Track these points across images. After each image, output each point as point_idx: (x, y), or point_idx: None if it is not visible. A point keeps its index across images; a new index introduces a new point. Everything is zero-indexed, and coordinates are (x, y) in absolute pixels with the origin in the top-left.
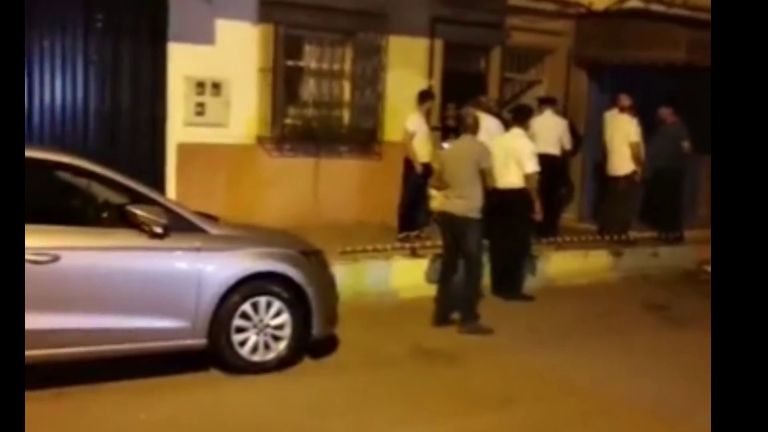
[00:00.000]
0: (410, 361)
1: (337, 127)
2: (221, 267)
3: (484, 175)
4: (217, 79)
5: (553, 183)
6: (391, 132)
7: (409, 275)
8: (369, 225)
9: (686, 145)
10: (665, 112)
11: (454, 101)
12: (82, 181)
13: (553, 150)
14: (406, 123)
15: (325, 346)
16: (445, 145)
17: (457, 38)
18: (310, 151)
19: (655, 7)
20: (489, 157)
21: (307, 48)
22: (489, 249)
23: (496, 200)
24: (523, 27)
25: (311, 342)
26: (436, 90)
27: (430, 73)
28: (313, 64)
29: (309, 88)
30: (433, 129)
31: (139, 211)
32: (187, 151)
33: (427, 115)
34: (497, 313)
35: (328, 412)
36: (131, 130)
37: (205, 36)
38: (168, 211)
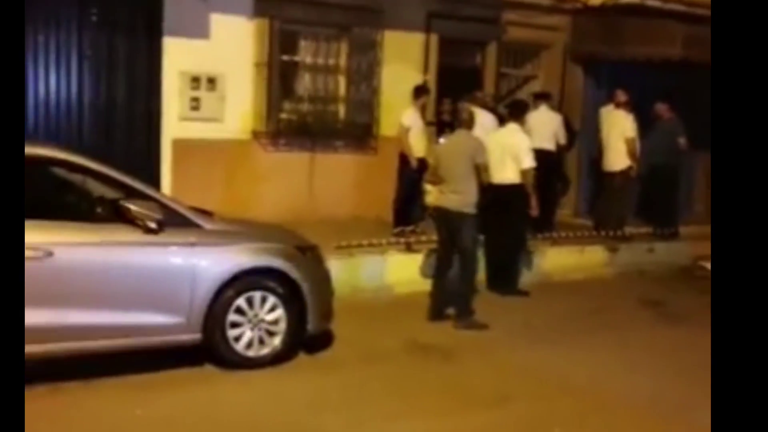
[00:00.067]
0: (405, 356)
1: (333, 122)
2: (216, 262)
3: (479, 170)
4: (212, 74)
5: (549, 178)
6: (387, 127)
7: (404, 270)
8: (364, 220)
9: (682, 141)
10: (661, 108)
11: (450, 96)
12: (76, 177)
13: (548, 145)
14: (402, 118)
15: (321, 342)
16: (441, 140)
17: (452, 33)
18: (306, 146)
19: (651, 3)
20: (484, 152)
21: (303, 43)
22: (484, 244)
23: (492, 196)
24: (519, 22)
25: (306, 337)
26: (432, 85)
27: (426, 68)
28: (308, 59)
29: (304, 83)
30: (428, 124)
31: (133, 207)
32: (182, 146)
33: (423, 110)
34: (493, 309)
35: (324, 407)
36: (126, 125)
37: (200, 31)
38: (162, 206)
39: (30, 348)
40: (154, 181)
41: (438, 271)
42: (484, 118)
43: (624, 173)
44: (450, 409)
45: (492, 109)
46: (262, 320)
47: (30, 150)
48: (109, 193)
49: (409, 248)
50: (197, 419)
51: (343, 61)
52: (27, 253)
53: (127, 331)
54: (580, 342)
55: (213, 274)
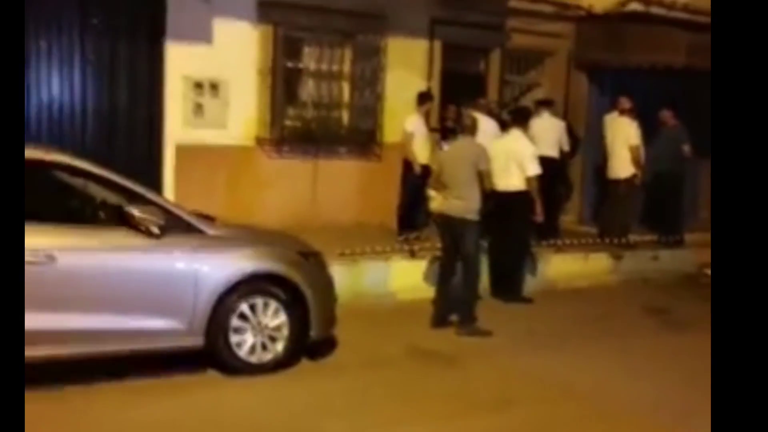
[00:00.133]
0: (408, 362)
1: (336, 128)
2: (218, 267)
3: (482, 176)
4: (215, 80)
5: (552, 185)
6: (390, 133)
7: (407, 277)
8: (368, 226)
9: (687, 148)
10: (666, 115)
11: (454, 103)
12: (78, 181)
13: (552, 152)
14: (405, 124)
15: (324, 348)
16: (445, 146)
17: (456, 40)
18: (309, 152)
19: (656, 10)
20: (487, 158)
21: (307, 49)
22: (488, 251)
23: (497, 202)
24: (522, 29)
25: (309, 343)
26: (435, 92)
27: (429, 75)
28: (312, 66)
29: (308, 90)
30: (432, 130)
31: (136, 212)
32: (185, 151)
33: (426, 117)
34: (496, 315)
35: (326, 413)
36: (129, 130)
37: (203, 36)
38: (165, 211)
39: (33, 352)
40: (157, 186)
41: (441, 277)
42: (485, 125)
43: (628, 180)
44: (452, 414)
45: (496, 116)
46: (265, 326)
47: (33, 154)
48: (112, 198)
49: (412, 255)
50: (199, 424)
51: (346, 68)
52: (30, 257)
53: (130, 335)
54: (583, 349)
55: (216, 280)
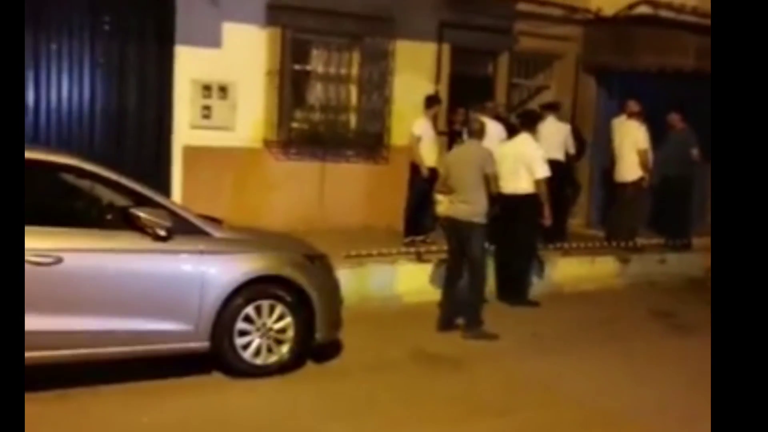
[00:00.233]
0: (413, 365)
1: (344, 131)
2: (224, 270)
3: (488, 180)
4: (223, 83)
5: (559, 188)
6: (398, 136)
7: (414, 280)
8: (375, 229)
9: (695, 151)
10: (674, 119)
11: (462, 106)
12: (86, 183)
13: (558, 155)
14: (413, 127)
15: (329, 350)
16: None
17: (464, 43)
18: (317, 155)
19: (664, 14)
20: (493, 162)
21: (315, 52)
22: (495, 254)
23: (504, 206)
24: (531, 32)
25: (315, 346)
26: (443, 95)
27: (438, 78)
28: (320, 68)
29: (316, 92)
30: (439, 134)
31: (142, 214)
32: (193, 153)
33: (434, 120)
34: (502, 319)
35: (331, 415)
36: (137, 132)
37: (212, 39)
38: (172, 213)
39: (38, 354)
40: (164, 188)
41: (448, 280)
42: (492, 128)
43: (636, 184)
44: (457, 417)
45: (504, 119)
46: (271, 328)
47: (42, 156)
48: (119, 200)
49: (419, 258)
50: (204, 426)
51: (354, 71)
52: (37, 259)
53: (135, 338)
54: (589, 352)
55: (221, 282)
